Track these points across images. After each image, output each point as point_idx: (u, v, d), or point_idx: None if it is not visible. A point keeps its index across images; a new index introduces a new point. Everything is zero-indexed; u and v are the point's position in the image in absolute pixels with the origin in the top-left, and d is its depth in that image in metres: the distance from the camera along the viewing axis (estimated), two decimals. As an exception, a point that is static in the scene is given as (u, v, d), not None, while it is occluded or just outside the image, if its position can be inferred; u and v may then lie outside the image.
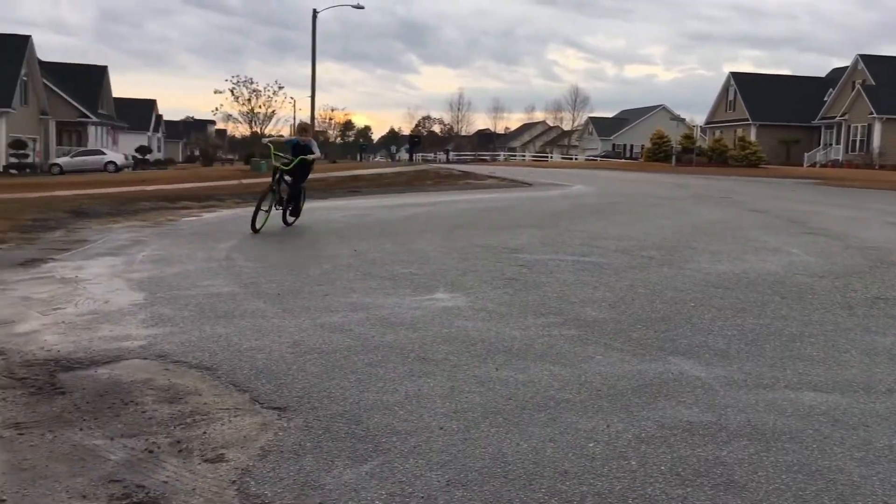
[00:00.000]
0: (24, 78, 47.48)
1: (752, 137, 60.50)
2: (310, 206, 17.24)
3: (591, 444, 3.44)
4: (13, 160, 45.33)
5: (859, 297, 7.11)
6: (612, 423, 3.70)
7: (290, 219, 11.94)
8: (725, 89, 71.98)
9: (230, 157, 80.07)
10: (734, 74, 71.40)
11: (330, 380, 4.35)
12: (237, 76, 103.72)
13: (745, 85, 69.03)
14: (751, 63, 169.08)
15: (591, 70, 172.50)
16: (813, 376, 4.60)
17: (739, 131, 62.85)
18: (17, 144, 45.29)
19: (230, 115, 72.92)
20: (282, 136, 24.75)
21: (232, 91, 69.87)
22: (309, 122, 53.15)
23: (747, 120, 66.48)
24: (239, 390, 4.17)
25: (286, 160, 11.43)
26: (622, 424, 3.69)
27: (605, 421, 3.73)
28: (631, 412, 3.86)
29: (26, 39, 48.01)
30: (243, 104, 69.74)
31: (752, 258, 9.42)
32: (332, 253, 9.35)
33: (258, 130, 73.10)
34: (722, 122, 70.54)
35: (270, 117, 73.04)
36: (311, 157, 11.66)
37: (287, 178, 11.38)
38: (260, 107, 70.05)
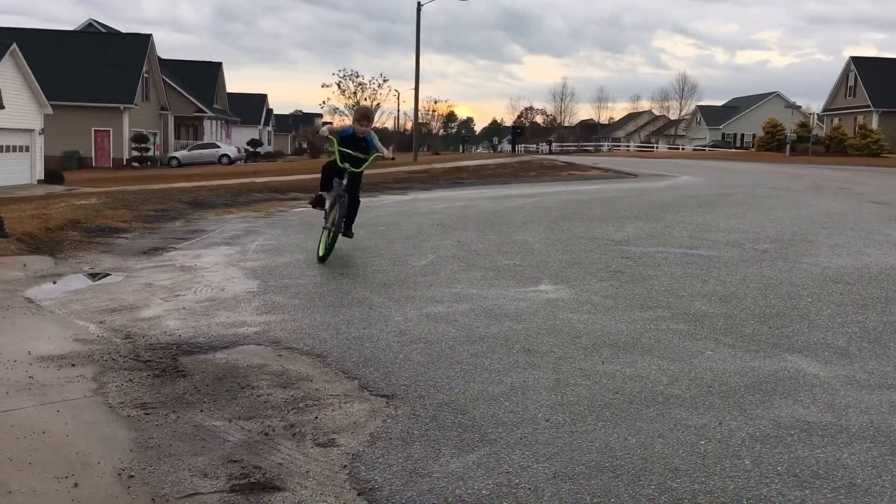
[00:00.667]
0: (146, 75, 49.87)
1: (874, 125, 57.40)
2: (414, 197, 17.45)
3: (702, 442, 3.36)
4: (135, 153, 47.75)
5: None
6: (724, 421, 3.60)
7: (351, 230, 8.53)
8: (845, 75, 68.47)
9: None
10: (854, 59, 67.85)
11: (436, 369, 4.40)
12: (343, 70, 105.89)
13: (867, 70, 65.45)
14: (874, 47, 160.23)
15: (701, 57, 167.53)
16: (943, 378, 4.34)
17: (860, 119, 59.70)
18: (138, 138, 47.66)
19: (337, 108, 74.42)
20: (332, 125, 16.92)
21: (338, 85, 71.28)
22: (413, 113, 53.67)
23: (868, 107, 63.07)
24: (348, 377, 4.27)
25: (357, 158, 8.16)
26: (735, 422, 3.58)
27: (717, 418, 3.63)
28: (744, 410, 3.74)
29: (147, 38, 50.40)
30: (349, 97, 71.04)
31: (875, 252, 8.95)
32: (436, 244, 9.44)
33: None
34: (841, 109, 67.19)
35: (375, 110, 74.22)
36: (385, 153, 8.42)
37: (349, 182, 8.15)
38: (365, 99, 71.21)
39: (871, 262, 8.20)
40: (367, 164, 8.23)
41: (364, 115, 8.44)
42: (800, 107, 63.91)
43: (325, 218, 8.35)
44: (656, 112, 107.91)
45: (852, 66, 67.03)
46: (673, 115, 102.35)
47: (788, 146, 50.99)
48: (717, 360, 4.59)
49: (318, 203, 8.70)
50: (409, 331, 5.24)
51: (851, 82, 66.70)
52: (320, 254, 8.05)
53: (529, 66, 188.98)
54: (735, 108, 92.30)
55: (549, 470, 3.09)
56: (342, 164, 8.06)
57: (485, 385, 4.13)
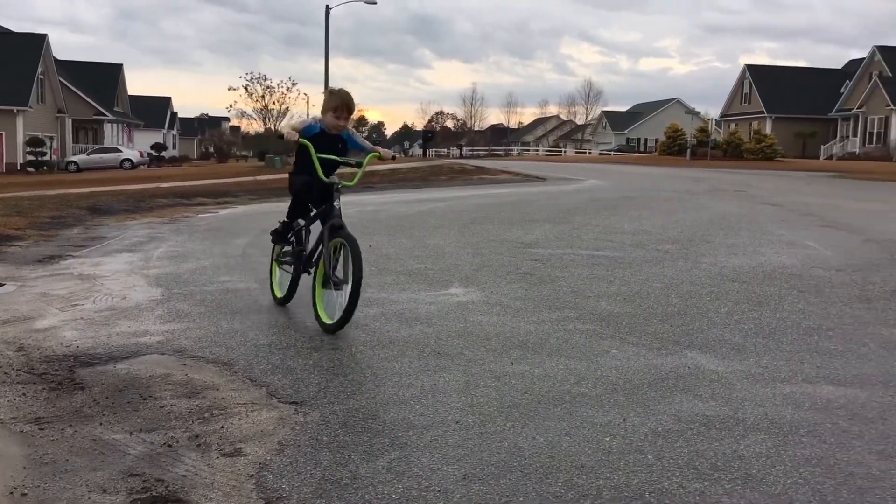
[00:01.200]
0: (41, 76, 47.83)
1: (768, 130, 60.08)
2: (324, 202, 17.31)
3: (607, 439, 3.44)
4: (30, 158, 45.69)
5: (877, 290, 7.05)
6: (628, 418, 3.69)
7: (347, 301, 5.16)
8: (741, 82, 71.47)
9: (244, 153, 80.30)
10: (749, 67, 70.90)
11: (346, 375, 4.37)
12: (251, 73, 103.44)
13: (761, 77, 68.53)
14: (767, 55, 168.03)
15: (606, 64, 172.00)
16: (831, 370, 4.57)
17: (755, 124, 62.44)
18: (34, 142, 45.65)
19: (244, 112, 72.94)
20: (294, 123, 5.85)
21: (246, 88, 69.79)
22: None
23: (763, 113, 66.01)
24: (256, 385, 4.19)
25: (345, 164, 5.65)
26: (639, 419, 3.68)
27: (622, 415, 3.73)
28: (647, 406, 3.85)
29: (42, 38, 48.37)
30: (257, 101, 69.70)
31: (769, 251, 9.37)
32: (347, 248, 9.37)
33: (272, 127, 73.17)
34: (737, 115, 70.07)
35: (284, 114, 73.09)
36: (383, 152, 5.80)
37: (336, 205, 5.46)
38: (273, 103, 70.06)
39: (765, 261, 8.58)
40: (362, 173, 5.75)
41: (344, 102, 5.50)
42: (699, 112, 66.31)
43: (288, 256, 6.00)
44: (564, 117, 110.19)
45: (747, 74, 70.03)
46: (580, 120, 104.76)
47: (689, 150, 52.83)
48: (621, 359, 4.71)
49: (281, 237, 6.03)
50: (318, 336, 5.18)
51: (746, 89, 69.68)
52: (279, 294, 6.16)
53: (439, 70, 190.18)
54: (639, 113, 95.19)
55: (458, 472, 3.10)
56: (327, 178, 5.40)
57: (395, 389, 4.12)
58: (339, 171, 5.65)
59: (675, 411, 3.80)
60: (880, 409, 3.90)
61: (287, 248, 6.07)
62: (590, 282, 7.27)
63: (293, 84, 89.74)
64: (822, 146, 61.47)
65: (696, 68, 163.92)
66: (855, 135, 59.77)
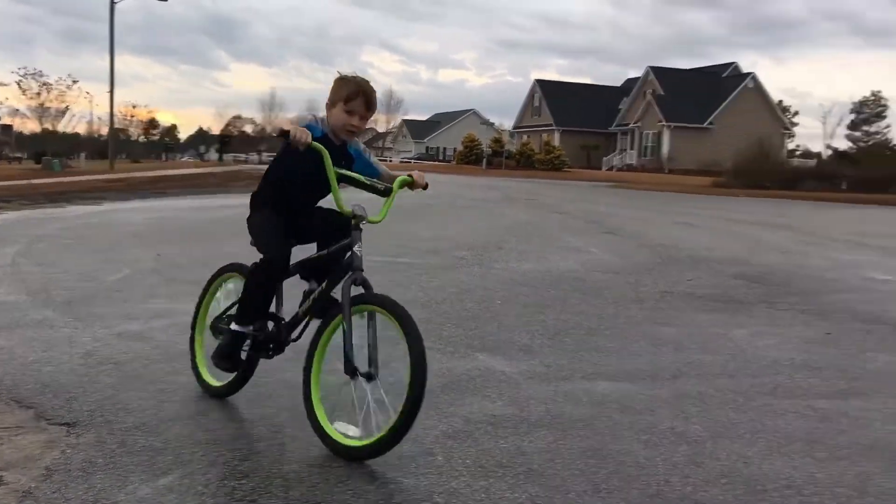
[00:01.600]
0: None
1: (556, 142, 63.69)
2: (110, 208, 16.20)
3: (401, 444, 3.46)
4: None
5: (649, 291, 7.66)
6: (421, 421, 3.74)
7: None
8: (531, 95, 75.36)
9: (18, 155, 73.73)
10: (539, 81, 74.90)
11: (127, 391, 4.10)
12: (25, 68, 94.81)
13: (550, 92, 72.60)
14: (556, 71, 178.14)
15: (406, 73, 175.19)
16: (606, 367, 4.90)
17: (545, 136, 65.99)
18: None
19: (18, 110, 67.13)
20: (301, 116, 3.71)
21: (19, 84, 64.25)
22: (109, 118, 49.85)
23: (552, 125, 69.96)
24: (22, 407, 3.83)
25: (370, 188, 3.71)
26: (431, 421, 3.74)
27: (416, 419, 3.77)
28: (440, 409, 3.93)
29: None
30: (31, 98, 64.33)
31: (555, 257, 9.91)
32: (133, 257, 8.85)
33: (49, 126, 67.84)
34: (529, 126, 73.73)
35: (64, 113, 68.06)
36: (418, 178, 3.89)
37: (359, 251, 3.53)
38: (51, 101, 64.99)
39: (552, 266, 9.07)
40: (391, 205, 3.81)
41: (363, 92, 3.59)
42: (493, 124, 69.22)
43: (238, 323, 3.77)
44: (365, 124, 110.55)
45: (537, 88, 73.95)
46: (381, 128, 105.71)
47: (485, 160, 54.96)
48: (415, 363, 4.78)
49: (263, 296, 3.72)
50: (97, 351, 4.83)
51: (537, 103, 73.56)
52: (214, 382, 4.09)
53: (237, 73, 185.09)
54: (438, 122, 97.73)
55: (246, 486, 3.00)
56: (346, 210, 3.58)
57: (182, 405, 3.93)
58: None
59: (465, 413, 3.91)
60: (648, 402, 4.22)
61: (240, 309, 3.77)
62: (388, 288, 7.28)
63: (74, 82, 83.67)
64: (605, 158, 66.16)
65: (491, 81, 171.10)
66: (633, 148, 64.88)
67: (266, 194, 3.77)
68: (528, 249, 10.65)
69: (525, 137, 69.78)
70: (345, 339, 3.32)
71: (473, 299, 6.95)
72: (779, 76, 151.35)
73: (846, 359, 5.34)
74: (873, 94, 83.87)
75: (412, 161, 74.67)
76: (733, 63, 70.42)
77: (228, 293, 4.14)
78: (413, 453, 3.36)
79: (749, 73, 66.01)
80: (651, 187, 34.94)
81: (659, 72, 65.92)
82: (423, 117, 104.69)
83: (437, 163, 71.48)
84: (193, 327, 4.27)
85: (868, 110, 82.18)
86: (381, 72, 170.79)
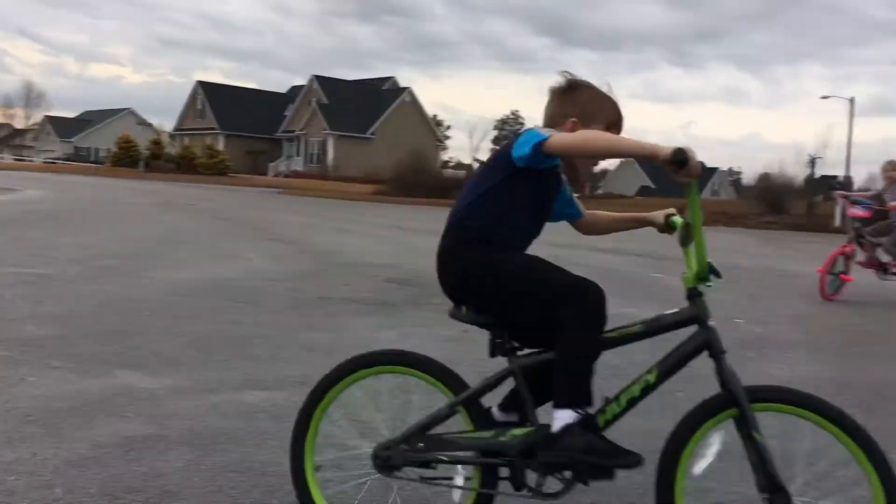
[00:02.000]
0: None
1: (221, 146, 62.23)
2: None
3: (11, 478, 3.07)
4: None
5: (306, 297, 7.72)
6: (39, 451, 3.35)
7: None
8: (194, 97, 72.72)
9: None
10: (202, 83, 72.56)
11: None
12: None
13: (214, 95, 70.65)
14: (221, 74, 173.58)
15: (51, 65, 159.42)
16: (258, 376, 4.81)
17: (209, 140, 64.13)
18: None
19: None
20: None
21: None
22: None
23: (216, 129, 68.14)
24: None
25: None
26: (52, 450, 3.37)
27: (32, 449, 3.37)
28: (63, 435, 3.55)
29: None
30: None
31: (214, 265, 9.61)
32: None
33: None
34: (191, 129, 71.08)
35: None
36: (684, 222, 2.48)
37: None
38: None
39: (208, 275, 8.77)
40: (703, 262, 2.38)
41: (621, 117, 2.67)
42: (152, 125, 65.58)
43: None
44: (1, 120, 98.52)
45: (200, 90, 71.55)
46: (19, 125, 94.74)
47: (143, 163, 51.91)
48: (40, 387, 4.29)
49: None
50: None
51: (200, 105, 71.14)
52: None
53: None
54: (89, 121, 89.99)
55: None
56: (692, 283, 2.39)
57: None
58: None
59: (94, 437, 3.57)
60: (296, 408, 4.21)
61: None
62: (14, 303, 6.54)
63: None
64: (271, 164, 65.94)
65: (150, 79, 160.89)
66: (299, 154, 65.48)
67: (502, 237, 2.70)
68: (184, 257, 10.19)
69: (187, 140, 67.04)
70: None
71: (117, 311, 6.45)
72: (434, 92, 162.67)
73: (481, 353, 5.81)
74: (512, 112, 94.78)
75: (58, 162, 68.02)
76: (392, 77, 74.23)
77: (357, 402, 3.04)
78: (28, 487, 2.99)
79: (406, 88, 69.98)
80: (316, 194, 35.49)
81: (323, 81, 67.27)
82: (72, 114, 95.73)
83: (87, 164, 65.81)
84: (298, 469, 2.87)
85: (508, 127, 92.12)
86: (20, 61, 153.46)
